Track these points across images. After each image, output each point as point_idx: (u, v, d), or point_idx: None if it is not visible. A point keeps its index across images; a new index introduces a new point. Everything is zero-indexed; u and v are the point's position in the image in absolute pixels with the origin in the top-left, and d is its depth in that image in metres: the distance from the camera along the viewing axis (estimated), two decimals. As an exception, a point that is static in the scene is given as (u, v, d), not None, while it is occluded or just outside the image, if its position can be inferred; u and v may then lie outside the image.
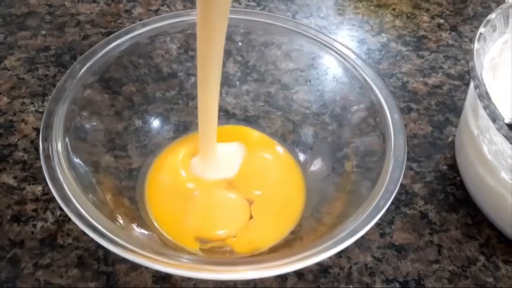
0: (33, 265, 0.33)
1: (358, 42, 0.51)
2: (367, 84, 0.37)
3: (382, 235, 0.37)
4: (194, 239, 0.34)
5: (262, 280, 0.33)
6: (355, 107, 0.38)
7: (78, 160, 0.33)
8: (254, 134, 0.41)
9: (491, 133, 0.34)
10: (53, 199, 0.30)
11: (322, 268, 0.34)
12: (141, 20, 0.42)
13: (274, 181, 0.38)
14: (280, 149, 0.40)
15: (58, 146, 0.32)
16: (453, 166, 0.41)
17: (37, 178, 0.38)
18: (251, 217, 0.36)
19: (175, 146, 0.40)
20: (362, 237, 0.29)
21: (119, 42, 0.38)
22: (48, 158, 0.31)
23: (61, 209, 0.30)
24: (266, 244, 0.34)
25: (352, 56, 0.39)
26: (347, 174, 0.37)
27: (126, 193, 0.36)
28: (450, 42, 0.52)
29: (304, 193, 0.38)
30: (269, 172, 0.39)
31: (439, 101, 0.46)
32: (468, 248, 0.36)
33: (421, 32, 0.53)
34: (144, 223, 0.35)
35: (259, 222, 0.36)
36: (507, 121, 0.31)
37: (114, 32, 0.39)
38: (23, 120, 0.42)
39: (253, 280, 0.33)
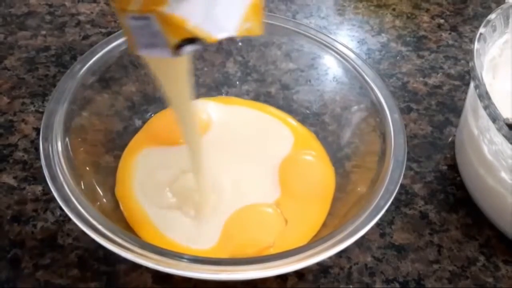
0: (33, 265, 0.33)
1: (358, 42, 0.51)
2: (367, 84, 0.37)
3: (382, 235, 0.37)
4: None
5: (262, 280, 0.33)
6: (355, 107, 0.38)
7: (78, 160, 0.33)
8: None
9: (491, 133, 0.34)
10: (53, 199, 0.30)
11: (322, 268, 0.34)
12: (141, 20, 0.42)
13: (305, 179, 0.38)
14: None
15: (58, 146, 0.32)
16: (453, 166, 0.41)
17: (37, 178, 0.38)
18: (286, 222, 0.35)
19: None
20: (362, 237, 0.29)
21: (119, 42, 0.38)
22: (48, 158, 0.31)
23: (61, 209, 0.30)
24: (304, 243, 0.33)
25: (352, 56, 0.39)
26: (347, 174, 0.37)
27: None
28: (450, 42, 0.52)
29: (334, 187, 0.37)
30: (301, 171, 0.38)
31: (439, 101, 0.46)
32: (468, 248, 0.36)
33: (421, 32, 0.53)
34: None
35: (292, 224, 0.35)
36: (507, 121, 0.31)
37: (114, 32, 0.39)
38: (23, 120, 0.42)
39: (253, 280, 0.33)
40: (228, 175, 0.37)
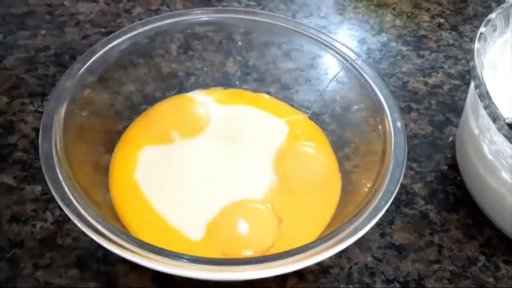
0: (32, 265, 0.33)
1: (358, 41, 0.51)
2: (367, 84, 0.37)
3: (382, 235, 0.37)
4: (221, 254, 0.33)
5: (261, 280, 0.33)
6: (355, 107, 0.38)
7: (77, 160, 0.33)
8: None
9: (492, 133, 0.34)
10: (52, 199, 0.30)
11: (322, 268, 0.34)
12: (140, 19, 0.42)
13: (308, 174, 0.37)
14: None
15: (58, 146, 0.32)
16: (454, 166, 0.41)
17: (36, 178, 0.38)
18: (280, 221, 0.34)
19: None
20: (362, 237, 0.29)
21: (118, 42, 0.38)
22: (48, 158, 0.31)
23: (60, 209, 0.30)
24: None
25: (352, 56, 0.39)
26: (348, 174, 0.37)
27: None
28: (451, 41, 0.52)
29: (340, 181, 0.37)
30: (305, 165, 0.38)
31: (440, 101, 0.46)
32: (469, 248, 0.36)
33: (422, 32, 0.53)
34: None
35: (292, 223, 0.34)
36: (507, 121, 0.31)
37: (114, 32, 0.39)
38: (22, 120, 0.42)
39: (253, 280, 0.33)
40: (221, 169, 0.37)
